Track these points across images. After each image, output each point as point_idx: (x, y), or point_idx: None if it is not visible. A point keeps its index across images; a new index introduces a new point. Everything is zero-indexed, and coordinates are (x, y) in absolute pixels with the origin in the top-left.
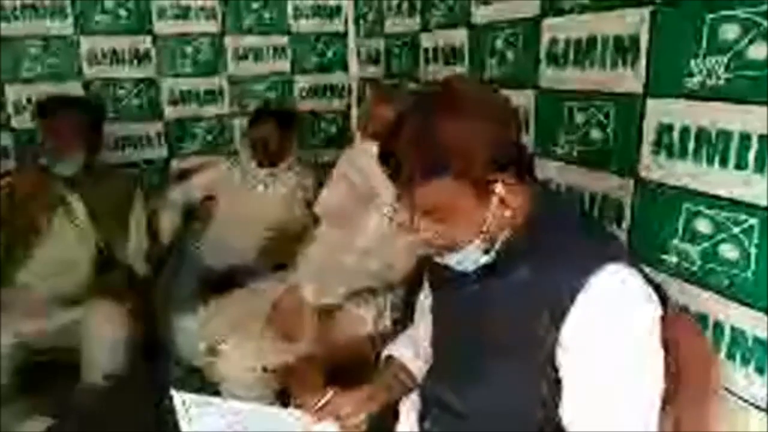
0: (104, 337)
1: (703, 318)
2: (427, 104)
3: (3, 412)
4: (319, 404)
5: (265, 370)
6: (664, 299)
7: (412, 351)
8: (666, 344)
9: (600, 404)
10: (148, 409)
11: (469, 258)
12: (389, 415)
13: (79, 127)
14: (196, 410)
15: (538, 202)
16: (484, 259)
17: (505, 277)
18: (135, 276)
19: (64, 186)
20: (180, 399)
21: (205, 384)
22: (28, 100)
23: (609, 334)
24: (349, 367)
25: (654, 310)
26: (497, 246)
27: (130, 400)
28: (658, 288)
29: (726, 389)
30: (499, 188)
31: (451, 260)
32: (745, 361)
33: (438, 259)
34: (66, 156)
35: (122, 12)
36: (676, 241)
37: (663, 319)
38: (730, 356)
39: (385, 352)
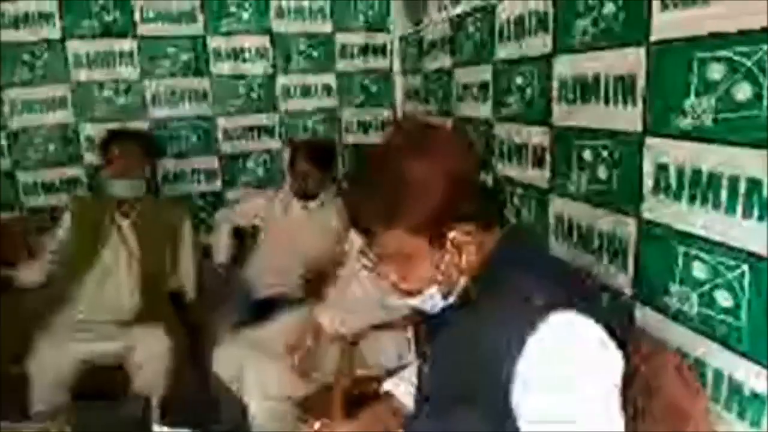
0: (149, 363)
1: (702, 366)
2: (386, 153)
3: None
4: None
5: (289, 399)
6: (624, 345)
7: (408, 385)
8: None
9: None
10: None
11: (429, 302)
12: None
13: (137, 152)
14: None
15: (501, 246)
16: (444, 303)
17: (464, 321)
18: (184, 300)
19: (119, 213)
20: None
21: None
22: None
23: (557, 381)
24: (371, 400)
25: (605, 355)
26: (458, 290)
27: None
28: (614, 333)
29: None
30: (452, 236)
31: (414, 303)
32: (741, 415)
33: (403, 301)
34: (126, 177)
35: (183, 56)
36: (676, 285)
37: (629, 358)
38: (728, 408)
39: (383, 387)
